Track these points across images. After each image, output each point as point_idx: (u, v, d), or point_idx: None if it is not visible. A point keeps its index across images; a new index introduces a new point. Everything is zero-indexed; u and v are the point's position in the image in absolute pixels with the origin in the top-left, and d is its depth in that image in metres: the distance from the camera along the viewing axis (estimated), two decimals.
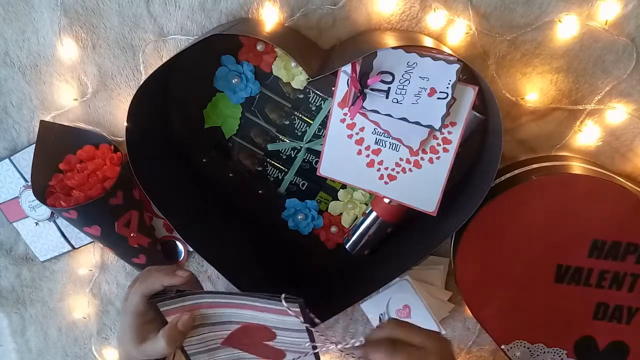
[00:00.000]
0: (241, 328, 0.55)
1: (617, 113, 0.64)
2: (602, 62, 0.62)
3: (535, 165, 0.65)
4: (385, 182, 0.66)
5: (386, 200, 0.68)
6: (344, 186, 0.73)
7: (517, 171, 0.65)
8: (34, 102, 0.74)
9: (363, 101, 0.61)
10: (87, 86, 0.72)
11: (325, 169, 0.67)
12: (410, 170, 0.65)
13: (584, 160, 0.67)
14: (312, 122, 0.70)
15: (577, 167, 0.63)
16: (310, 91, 0.68)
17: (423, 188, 0.65)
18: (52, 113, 0.74)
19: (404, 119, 0.61)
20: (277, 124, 0.71)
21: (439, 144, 0.63)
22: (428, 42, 0.60)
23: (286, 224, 0.76)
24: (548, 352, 0.69)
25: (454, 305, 0.76)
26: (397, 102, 0.60)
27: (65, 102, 0.73)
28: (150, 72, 0.59)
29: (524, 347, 0.69)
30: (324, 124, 0.68)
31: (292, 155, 0.72)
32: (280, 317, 0.51)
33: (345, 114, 0.64)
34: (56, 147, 0.72)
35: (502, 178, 0.65)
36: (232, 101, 0.70)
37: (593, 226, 0.62)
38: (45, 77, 0.73)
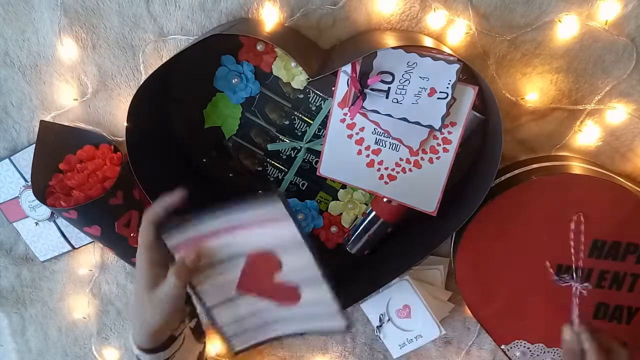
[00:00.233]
0: (248, 263, 0.55)
1: (617, 113, 0.64)
2: (602, 62, 0.62)
3: (535, 165, 0.65)
4: (385, 182, 0.66)
5: (386, 200, 0.68)
6: (344, 186, 0.73)
7: (517, 171, 0.65)
8: (34, 102, 0.74)
9: (363, 101, 0.61)
10: (87, 86, 0.72)
11: (325, 169, 0.67)
12: (410, 170, 0.65)
13: (584, 160, 0.67)
14: (312, 122, 0.70)
15: (577, 167, 0.63)
16: (310, 91, 0.68)
17: (423, 188, 0.65)
18: (52, 113, 0.74)
19: (404, 119, 0.61)
20: (277, 124, 0.71)
21: (439, 144, 0.63)
22: (428, 42, 0.60)
23: None
24: (548, 352, 0.69)
25: (454, 305, 0.76)
26: (397, 102, 0.60)
27: (65, 102, 0.73)
28: (150, 72, 0.59)
29: (524, 347, 0.69)
30: (324, 124, 0.68)
31: (292, 155, 0.72)
32: (272, 228, 0.52)
33: (345, 114, 0.64)
34: (56, 147, 0.72)
35: (502, 178, 0.65)
36: (232, 101, 0.70)
37: (593, 226, 0.62)
38: (45, 77, 0.73)
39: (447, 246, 0.73)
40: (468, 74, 0.62)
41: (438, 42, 0.62)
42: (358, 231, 0.71)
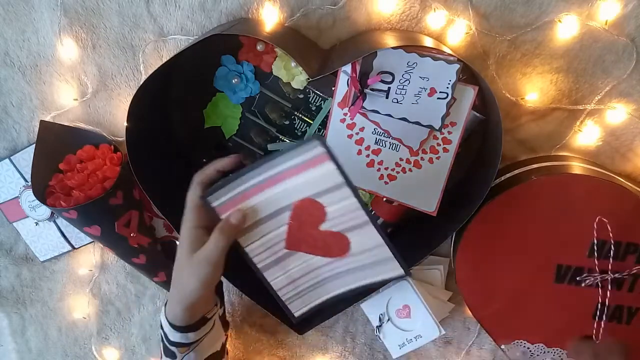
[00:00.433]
0: (293, 215, 0.55)
1: (617, 113, 0.64)
2: (602, 62, 0.62)
3: (535, 165, 0.65)
4: (385, 182, 0.66)
5: (386, 200, 0.68)
6: None
7: (517, 171, 0.65)
8: (34, 102, 0.74)
9: (363, 101, 0.61)
10: (87, 86, 0.72)
11: None
12: (410, 170, 0.65)
13: (584, 160, 0.67)
14: (312, 122, 0.70)
15: (577, 167, 0.63)
16: (310, 91, 0.68)
17: (423, 188, 0.65)
18: (52, 113, 0.74)
19: (404, 119, 0.61)
20: (277, 124, 0.71)
21: (439, 144, 0.63)
22: (428, 42, 0.60)
23: None
24: (548, 352, 0.69)
25: (454, 305, 0.76)
26: (397, 102, 0.60)
27: (65, 102, 0.73)
28: (150, 72, 0.59)
29: (524, 347, 0.69)
30: (324, 124, 0.68)
31: None
32: (313, 173, 0.52)
33: (345, 114, 0.64)
34: (56, 147, 0.72)
35: (502, 178, 0.65)
36: (232, 101, 0.70)
37: (593, 226, 0.62)
38: (45, 77, 0.73)
39: (447, 246, 0.73)
40: (468, 74, 0.62)
41: (438, 42, 0.62)
42: None
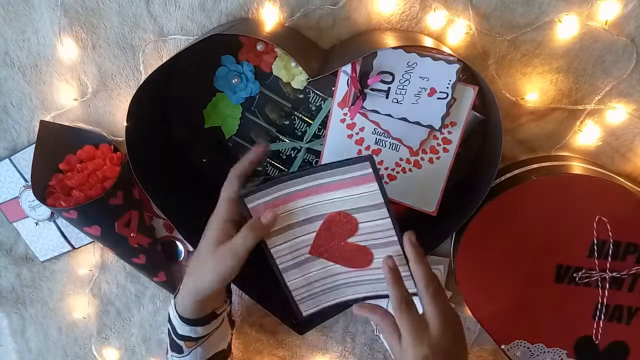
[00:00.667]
0: (324, 225, 0.56)
1: (617, 113, 0.64)
2: (602, 62, 0.62)
3: (535, 165, 0.65)
4: (385, 182, 0.66)
5: None
6: None
7: (517, 171, 0.65)
8: (34, 102, 0.74)
9: (363, 101, 0.61)
10: (87, 86, 0.72)
11: None
12: (410, 170, 0.65)
13: (584, 160, 0.67)
14: (312, 122, 0.70)
15: (577, 167, 0.63)
16: (310, 91, 0.68)
17: (423, 188, 0.65)
18: (52, 113, 0.74)
19: (404, 119, 0.61)
20: (277, 124, 0.71)
21: (439, 144, 0.63)
22: (428, 42, 0.60)
23: None
24: (548, 352, 0.69)
25: (454, 305, 0.76)
26: (397, 102, 0.60)
27: (65, 102, 0.73)
28: (150, 72, 0.59)
29: (524, 347, 0.69)
30: (324, 124, 0.68)
31: (292, 155, 0.72)
32: (356, 190, 0.54)
33: (345, 114, 0.64)
34: (56, 147, 0.72)
35: (502, 178, 0.65)
36: (232, 101, 0.70)
37: (593, 226, 0.62)
38: (45, 77, 0.73)
39: (447, 246, 0.73)
40: (468, 74, 0.62)
41: (438, 42, 0.62)
42: None
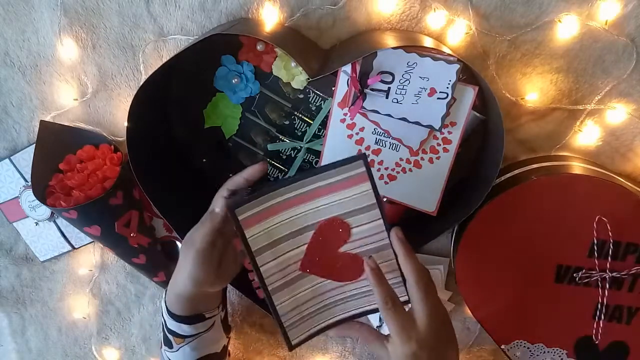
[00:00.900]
0: (316, 235, 0.55)
1: (617, 113, 0.64)
2: (602, 62, 0.62)
3: (535, 165, 0.65)
4: (385, 182, 0.66)
5: (386, 200, 0.68)
6: None
7: (517, 171, 0.65)
8: (34, 102, 0.74)
9: (363, 101, 0.61)
10: (87, 86, 0.72)
11: None
12: (410, 170, 0.65)
13: (584, 160, 0.67)
14: (312, 122, 0.70)
15: (577, 167, 0.63)
16: (310, 91, 0.68)
17: (423, 188, 0.65)
18: (52, 113, 0.74)
19: (404, 119, 0.61)
20: (277, 124, 0.71)
21: (439, 144, 0.63)
22: (428, 42, 0.60)
23: None
24: (548, 352, 0.69)
25: (454, 305, 0.76)
26: (397, 102, 0.60)
27: (65, 102, 0.73)
28: (150, 72, 0.59)
29: (524, 347, 0.69)
30: (324, 124, 0.68)
31: (292, 155, 0.72)
32: (349, 192, 0.53)
33: (345, 114, 0.64)
34: (56, 147, 0.72)
35: (502, 178, 0.65)
36: (232, 101, 0.70)
37: (593, 226, 0.62)
38: (45, 77, 0.73)
39: (447, 246, 0.73)
40: (468, 74, 0.62)
41: (438, 42, 0.62)
42: None
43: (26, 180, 0.78)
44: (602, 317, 0.65)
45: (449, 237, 0.72)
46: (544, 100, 0.65)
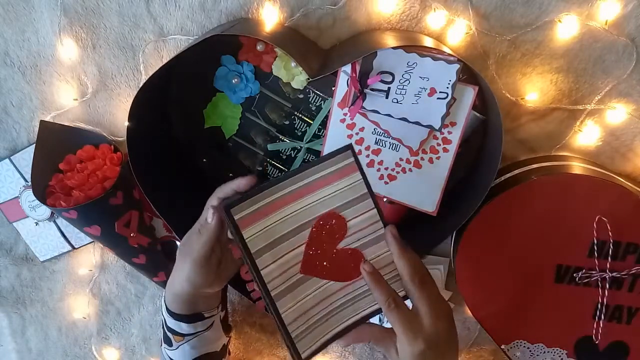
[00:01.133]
0: (314, 232, 0.54)
1: (617, 113, 0.64)
2: (602, 62, 0.62)
3: (535, 165, 0.65)
4: (385, 182, 0.66)
5: (386, 200, 0.68)
6: None
7: (517, 171, 0.65)
8: (34, 102, 0.74)
9: (363, 101, 0.61)
10: (87, 86, 0.72)
11: None
12: (410, 170, 0.65)
13: (584, 160, 0.67)
14: (312, 122, 0.70)
15: (577, 167, 0.63)
16: (310, 91, 0.68)
17: (423, 188, 0.65)
18: (52, 113, 0.74)
19: (404, 119, 0.61)
20: (277, 124, 0.71)
21: (439, 144, 0.63)
22: (428, 42, 0.60)
23: None
24: (548, 352, 0.69)
25: (454, 305, 0.76)
26: (397, 102, 0.60)
27: (65, 102, 0.73)
28: (150, 72, 0.60)
29: (524, 347, 0.69)
30: (324, 124, 0.68)
31: (292, 155, 0.72)
32: (341, 184, 0.54)
33: (345, 114, 0.64)
34: (56, 147, 0.72)
35: (502, 178, 0.65)
36: (232, 101, 0.70)
37: (593, 226, 0.62)
38: (45, 77, 0.73)
39: (447, 246, 0.73)
40: (468, 74, 0.62)
41: (438, 42, 0.62)
42: None
43: (26, 180, 0.78)
44: (602, 317, 0.65)
45: (449, 237, 0.72)
46: (544, 100, 0.65)
